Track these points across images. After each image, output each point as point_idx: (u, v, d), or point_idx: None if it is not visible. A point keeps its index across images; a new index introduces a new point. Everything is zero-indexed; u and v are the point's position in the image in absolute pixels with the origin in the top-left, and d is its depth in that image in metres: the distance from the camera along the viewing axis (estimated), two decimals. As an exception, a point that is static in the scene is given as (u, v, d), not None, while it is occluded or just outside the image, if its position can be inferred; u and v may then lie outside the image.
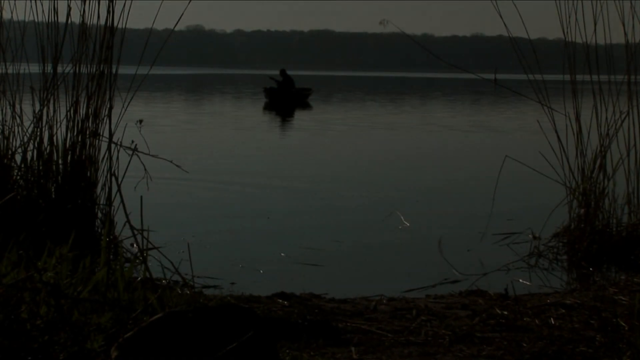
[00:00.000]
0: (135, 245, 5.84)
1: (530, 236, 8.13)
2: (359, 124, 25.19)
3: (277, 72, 38.34)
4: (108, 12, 6.89)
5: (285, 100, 36.26)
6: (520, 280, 6.74)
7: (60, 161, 6.89)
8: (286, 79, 37.42)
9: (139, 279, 4.23)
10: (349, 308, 5.28)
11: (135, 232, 4.09)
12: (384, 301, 5.59)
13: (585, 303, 5.30)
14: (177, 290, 5.54)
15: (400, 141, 20.05)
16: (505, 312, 5.04)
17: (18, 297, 3.03)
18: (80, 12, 6.87)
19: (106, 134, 6.93)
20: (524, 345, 4.33)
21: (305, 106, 35.38)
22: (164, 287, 5.02)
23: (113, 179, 6.43)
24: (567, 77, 7.92)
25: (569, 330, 4.61)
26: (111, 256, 6.41)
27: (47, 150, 6.89)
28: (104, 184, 6.96)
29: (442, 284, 6.60)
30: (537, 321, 4.81)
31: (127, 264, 6.55)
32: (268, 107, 33.99)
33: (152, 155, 6.67)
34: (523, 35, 8.11)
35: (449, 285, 6.51)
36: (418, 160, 15.73)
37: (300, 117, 28.39)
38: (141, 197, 4.41)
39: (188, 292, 4.99)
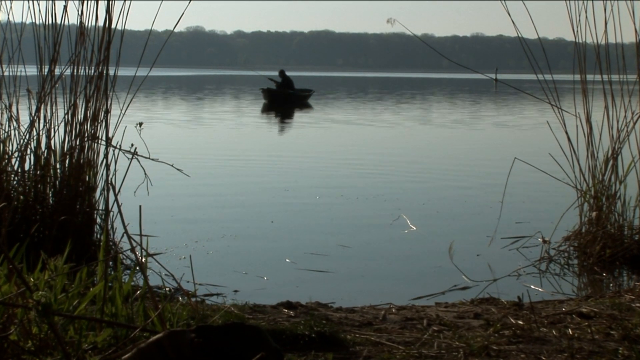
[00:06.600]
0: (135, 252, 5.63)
1: (540, 240, 7.94)
2: (360, 125, 25.00)
3: (276, 73, 38.14)
4: (107, 12, 6.72)
5: (284, 101, 36.06)
6: (532, 287, 6.55)
7: (58, 165, 6.72)
8: (285, 79, 37.21)
9: (139, 292, 4.03)
10: (357, 318, 5.08)
11: (134, 243, 3.89)
12: (393, 310, 5.40)
13: (603, 312, 5.10)
14: (178, 299, 5.36)
15: (403, 142, 19.85)
16: (520, 322, 4.84)
17: (9, 314, 2.84)
18: (78, 12, 6.70)
19: (105, 137, 6.75)
20: (543, 358, 4.12)
21: (306, 107, 35.18)
22: (164, 298, 4.83)
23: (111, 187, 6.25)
24: (575, 76, 7.74)
25: (589, 341, 4.41)
26: (110, 263, 6.23)
27: (45, 155, 6.71)
28: (104, 188, 6.80)
29: (452, 290, 6.42)
30: (554, 332, 4.61)
31: (127, 272, 6.38)
32: (267, 109, 33.78)
33: (153, 159, 6.49)
34: (525, 35, 7.91)
35: (459, 292, 6.33)
36: (423, 161, 15.51)
37: (300, 118, 28.19)
38: (140, 206, 4.20)
39: (190, 302, 4.79)
